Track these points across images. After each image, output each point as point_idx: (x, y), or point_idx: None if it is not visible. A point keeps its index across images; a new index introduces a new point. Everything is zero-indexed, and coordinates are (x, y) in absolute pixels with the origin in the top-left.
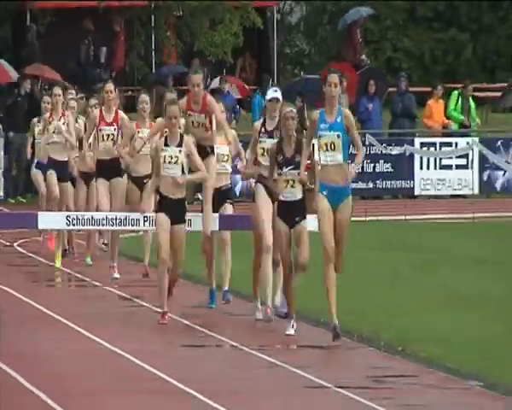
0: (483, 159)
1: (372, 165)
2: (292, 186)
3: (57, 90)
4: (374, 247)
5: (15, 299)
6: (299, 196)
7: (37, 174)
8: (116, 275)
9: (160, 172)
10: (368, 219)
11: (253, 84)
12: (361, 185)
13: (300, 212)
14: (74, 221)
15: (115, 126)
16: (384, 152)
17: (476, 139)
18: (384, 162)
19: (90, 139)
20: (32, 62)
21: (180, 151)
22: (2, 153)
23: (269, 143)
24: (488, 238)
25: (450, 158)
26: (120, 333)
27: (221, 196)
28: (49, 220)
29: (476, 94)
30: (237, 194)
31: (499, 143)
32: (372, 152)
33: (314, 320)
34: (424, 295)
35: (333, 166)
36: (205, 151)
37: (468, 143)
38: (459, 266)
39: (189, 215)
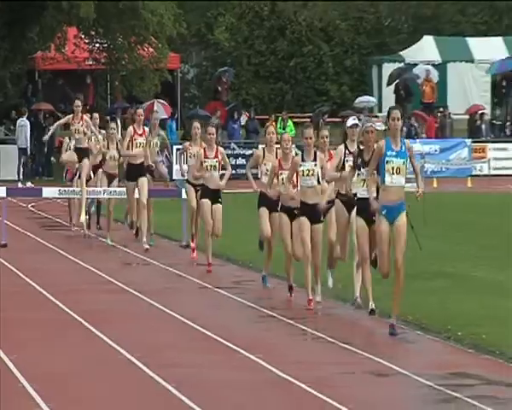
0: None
1: (234, 160)
2: (367, 185)
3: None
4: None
5: (27, 237)
6: (374, 194)
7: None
8: (147, 246)
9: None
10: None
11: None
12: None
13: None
14: (64, 193)
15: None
16: (241, 152)
17: (294, 146)
18: (241, 158)
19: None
20: (38, 102)
21: (315, 165)
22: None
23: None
24: None
25: None
26: (94, 257)
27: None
28: (49, 192)
29: (294, 120)
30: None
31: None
32: (235, 152)
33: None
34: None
35: (395, 187)
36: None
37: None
38: None
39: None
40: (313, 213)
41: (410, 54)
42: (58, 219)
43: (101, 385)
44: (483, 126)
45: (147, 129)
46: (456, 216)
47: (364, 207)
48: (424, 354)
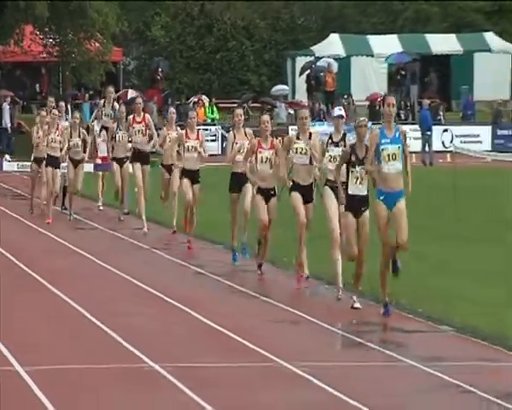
0: (223, 136)
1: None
2: (360, 183)
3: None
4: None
5: None
6: (365, 192)
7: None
8: (145, 229)
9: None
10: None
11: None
12: None
13: (366, 204)
14: (22, 167)
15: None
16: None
17: (219, 127)
18: None
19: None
20: None
21: (307, 144)
22: None
23: (336, 151)
24: None
25: (208, 136)
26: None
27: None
28: (8, 166)
29: (221, 105)
30: None
31: (231, 129)
32: None
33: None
34: None
35: (393, 174)
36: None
37: (216, 128)
38: None
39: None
40: (306, 194)
41: (319, 49)
42: (18, 190)
43: (58, 334)
44: (381, 111)
45: (147, 116)
46: None
47: (354, 204)
48: (332, 306)
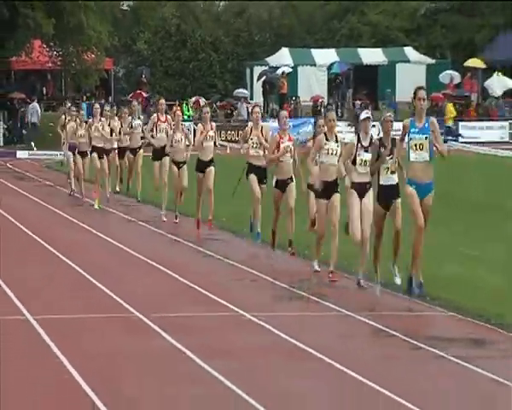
0: (195, 130)
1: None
2: (391, 173)
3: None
4: None
5: (5, 186)
6: (396, 180)
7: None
8: (164, 219)
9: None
10: None
11: (104, 101)
12: None
13: (396, 193)
14: (32, 155)
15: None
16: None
17: (192, 123)
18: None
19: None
20: (13, 91)
21: (338, 146)
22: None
23: (366, 155)
24: None
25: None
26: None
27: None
28: (21, 154)
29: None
30: None
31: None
32: None
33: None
34: None
35: (420, 163)
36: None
37: (189, 124)
38: None
39: None
40: (331, 188)
41: (272, 60)
42: (28, 174)
43: (64, 290)
44: (322, 110)
45: (169, 117)
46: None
47: (385, 194)
48: (281, 265)
